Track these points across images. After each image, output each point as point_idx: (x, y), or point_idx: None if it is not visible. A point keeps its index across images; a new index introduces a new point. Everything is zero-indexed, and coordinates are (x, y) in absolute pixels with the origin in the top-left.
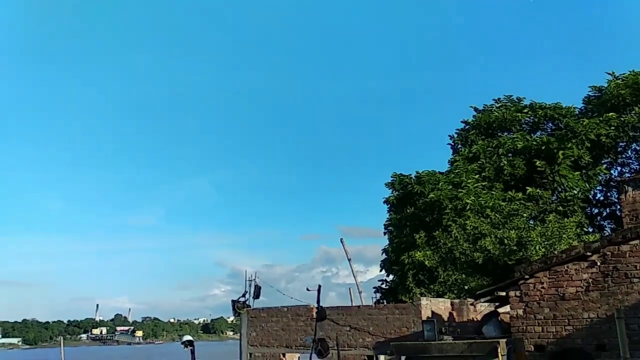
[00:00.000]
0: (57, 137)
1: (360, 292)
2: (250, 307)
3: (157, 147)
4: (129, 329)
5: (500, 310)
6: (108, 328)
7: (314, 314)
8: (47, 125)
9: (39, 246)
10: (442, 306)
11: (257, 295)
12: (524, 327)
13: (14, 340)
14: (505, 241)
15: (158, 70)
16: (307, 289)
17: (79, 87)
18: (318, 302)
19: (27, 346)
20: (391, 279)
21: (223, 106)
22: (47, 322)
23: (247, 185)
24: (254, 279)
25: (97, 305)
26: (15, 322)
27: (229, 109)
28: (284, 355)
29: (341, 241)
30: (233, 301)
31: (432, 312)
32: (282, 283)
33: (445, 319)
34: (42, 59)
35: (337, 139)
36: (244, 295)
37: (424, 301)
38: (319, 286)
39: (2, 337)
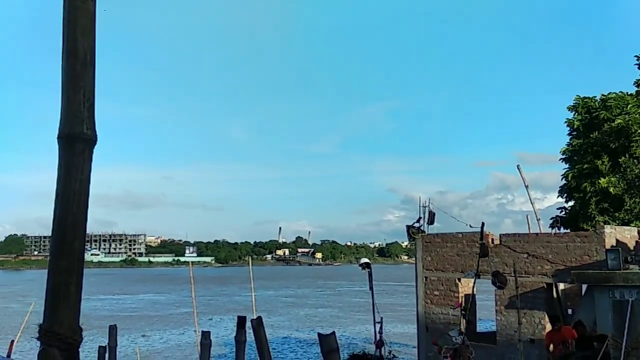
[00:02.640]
0: (235, 70)
1: (538, 220)
2: (424, 232)
3: (334, 76)
4: (309, 250)
5: None
6: (290, 250)
7: (490, 240)
8: (227, 58)
9: (227, 172)
10: (627, 235)
11: (431, 221)
12: None
13: (208, 259)
14: None
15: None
16: (469, 225)
17: (257, 22)
18: (481, 238)
19: (219, 265)
20: (571, 206)
21: (396, 34)
22: (236, 243)
23: (421, 113)
24: (428, 205)
25: (280, 228)
26: (209, 242)
27: (403, 37)
28: (459, 280)
29: (518, 168)
30: (408, 226)
31: (617, 241)
32: (455, 210)
33: (632, 248)
34: None
35: (511, 62)
36: (418, 221)
37: (607, 229)
38: (482, 223)
39: (197, 255)
